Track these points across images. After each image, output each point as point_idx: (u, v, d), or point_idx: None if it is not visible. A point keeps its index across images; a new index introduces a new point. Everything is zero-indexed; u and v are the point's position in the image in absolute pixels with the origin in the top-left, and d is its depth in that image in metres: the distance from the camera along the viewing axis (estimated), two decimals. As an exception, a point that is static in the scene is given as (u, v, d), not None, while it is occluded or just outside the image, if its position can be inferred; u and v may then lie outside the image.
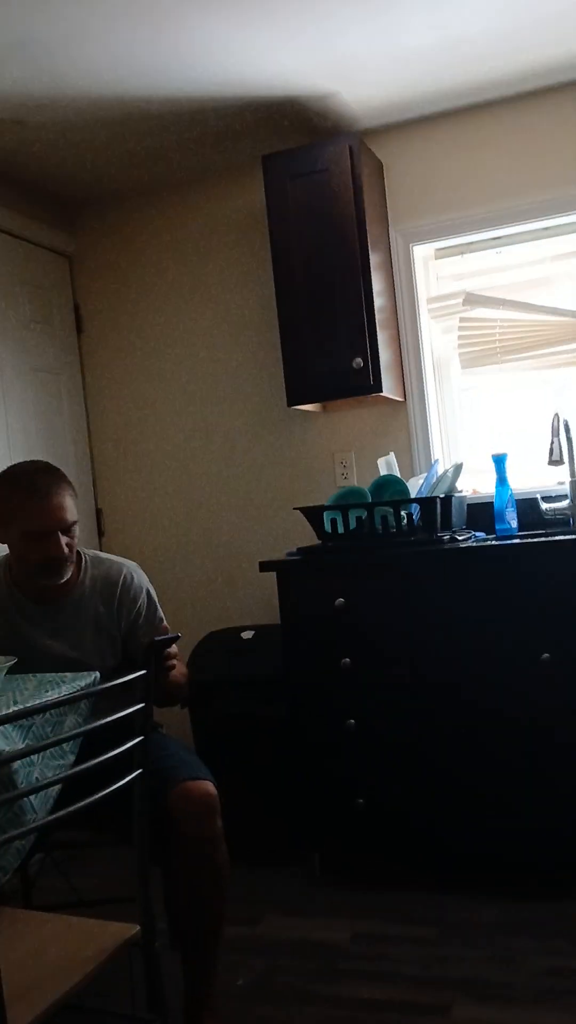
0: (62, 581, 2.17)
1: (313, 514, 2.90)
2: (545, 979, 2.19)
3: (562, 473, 2.99)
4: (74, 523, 2.13)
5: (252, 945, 2.50)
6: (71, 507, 2.12)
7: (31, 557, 2.10)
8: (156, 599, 2.34)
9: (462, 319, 3.23)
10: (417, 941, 2.44)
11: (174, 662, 2.15)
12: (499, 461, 2.96)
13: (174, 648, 2.21)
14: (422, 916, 2.57)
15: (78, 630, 2.21)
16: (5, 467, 2.18)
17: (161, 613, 2.34)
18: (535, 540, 2.65)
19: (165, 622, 2.32)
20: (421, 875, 2.76)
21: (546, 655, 2.52)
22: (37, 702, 1.52)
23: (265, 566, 2.85)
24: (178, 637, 1.95)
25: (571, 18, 2.62)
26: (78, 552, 2.23)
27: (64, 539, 2.10)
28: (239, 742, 3.01)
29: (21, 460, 2.23)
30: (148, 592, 2.32)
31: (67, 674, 1.85)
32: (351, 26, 2.54)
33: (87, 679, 1.80)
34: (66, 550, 2.11)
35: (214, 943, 2.04)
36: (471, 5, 2.49)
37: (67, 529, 2.11)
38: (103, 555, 2.33)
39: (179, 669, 2.26)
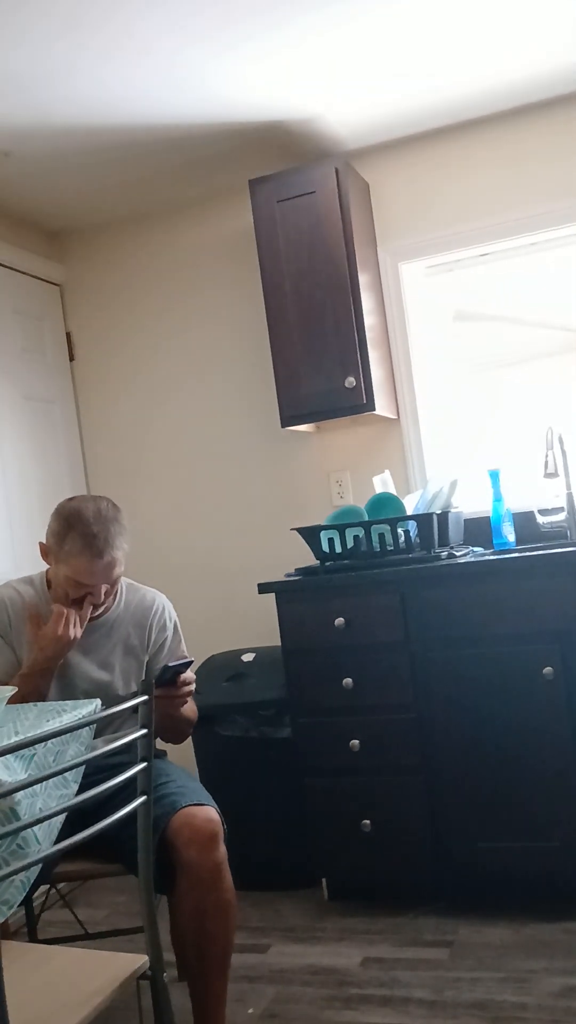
0: (95, 615, 2.21)
1: (310, 534, 2.89)
2: (561, 999, 2.16)
3: (558, 486, 2.99)
4: (120, 575, 2.18)
5: (261, 973, 2.47)
6: (121, 561, 2.17)
7: (72, 593, 2.15)
8: (182, 633, 2.39)
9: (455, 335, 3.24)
10: (428, 964, 2.41)
11: (191, 688, 2.13)
12: (494, 476, 2.96)
13: (190, 675, 2.18)
14: (433, 938, 2.54)
15: (108, 651, 2.25)
16: (67, 497, 2.26)
17: (185, 648, 2.38)
18: (533, 554, 2.65)
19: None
20: (430, 897, 2.73)
21: (548, 668, 2.51)
22: (38, 732, 1.50)
23: (264, 588, 2.84)
24: (191, 661, 1.95)
25: (555, 33, 2.65)
26: None
27: (105, 587, 2.15)
28: (242, 766, 2.98)
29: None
30: (176, 624, 2.38)
31: (67, 702, 1.84)
32: (333, 48, 2.57)
33: (87, 707, 1.78)
34: (103, 598, 2.16)
35: (222, 972, 2.01)
36: (455, 31, 2.52)
37: (112, 582, 2.16)
38: (137, 584, 2.38)
39: (190, 705, 2.25)
